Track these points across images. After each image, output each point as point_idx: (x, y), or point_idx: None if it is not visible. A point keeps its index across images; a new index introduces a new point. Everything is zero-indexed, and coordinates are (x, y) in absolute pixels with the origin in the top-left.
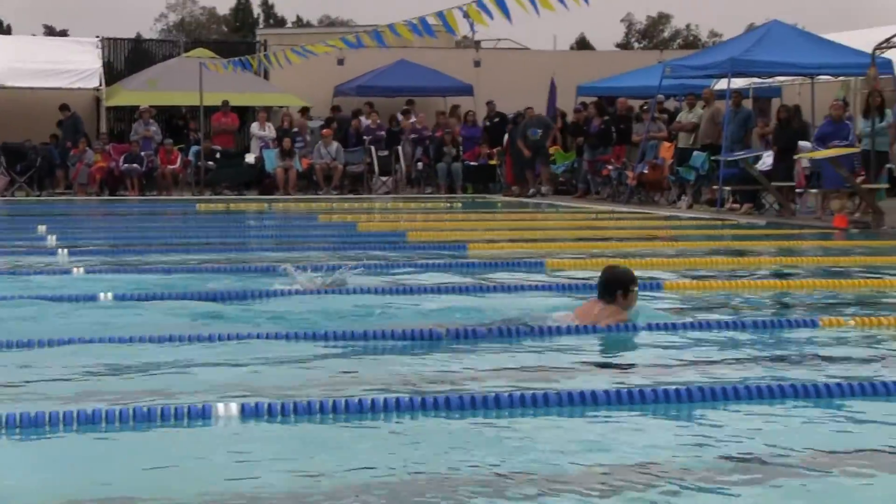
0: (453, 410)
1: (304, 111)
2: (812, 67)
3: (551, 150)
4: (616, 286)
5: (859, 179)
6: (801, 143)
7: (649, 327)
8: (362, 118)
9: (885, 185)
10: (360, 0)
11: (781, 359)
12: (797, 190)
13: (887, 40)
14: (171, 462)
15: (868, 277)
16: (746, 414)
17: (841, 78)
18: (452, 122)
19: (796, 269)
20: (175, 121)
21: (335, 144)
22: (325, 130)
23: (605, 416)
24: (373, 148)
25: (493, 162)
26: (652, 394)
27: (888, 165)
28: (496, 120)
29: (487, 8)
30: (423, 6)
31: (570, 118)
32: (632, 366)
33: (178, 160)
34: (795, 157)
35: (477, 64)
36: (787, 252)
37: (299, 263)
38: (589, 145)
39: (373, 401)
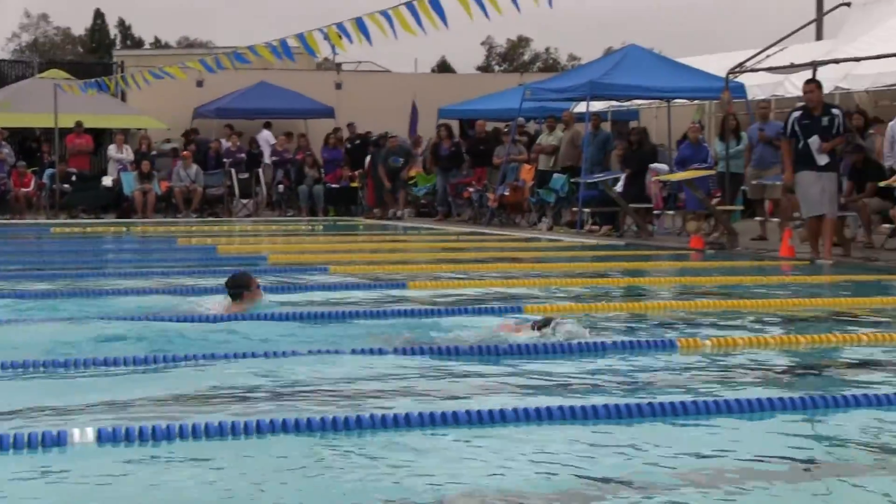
0: (301, 432)
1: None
2: (668, 91)
3: (413, 173)
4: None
5: (715, 201)
6: (658, 166)
7: (511, 349)
8: (222, 140)
9: (740, 207)
10: (219, 22)
11: (641, 379)
12: (655, 212)
13: (740, 65)
14: (25, 490)
15: (724, 298)
16: (606, 433)
17: (696, 101)
18: (339, 143)
19: (655, 290)
20: (29, 143)
21: (194, 167)
22: (184, 152)
23: (464, 438)
24: (233, 170)
25: (354, 184)
26: (513, 414)
27: (742, 187)
28: (357, 142)
29: (347, 31)
30: (283, 28)
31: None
32: (493, 387)
33: (32, 183)
34: (655, 178)
35: (338, 86)
36: (646, 273)
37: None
38: (441, 168)
39: (233, 423)
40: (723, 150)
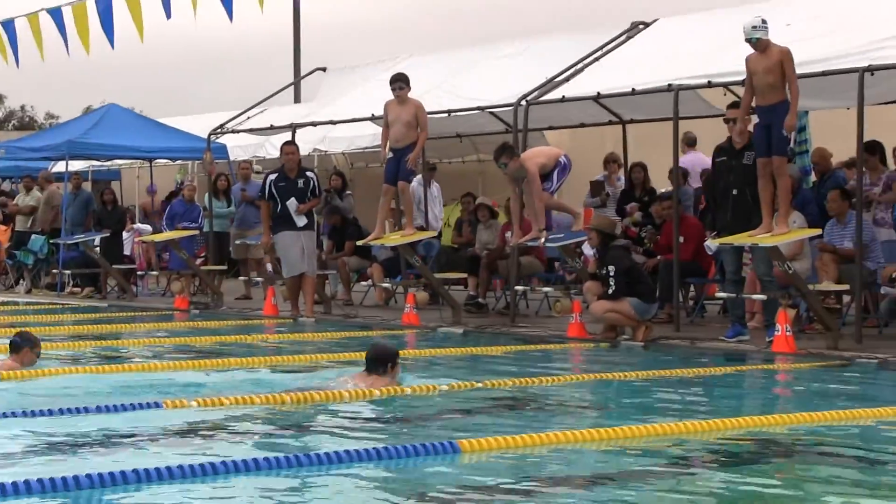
0: None
1: None
2: (150, 151)
3: None
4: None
5: (199, 261)
6: (141, 226)
7: None
8: None
9: (223, 267)
10: None
11: (122, 445)
12: (139, 272)
13: (222, 126)
14: None
15: (211, 357)
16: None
17: (179, 161)
18: None
19: (138, 351)
20: None
21: None
22: None
23: None
24: None
25: None
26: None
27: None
28: None
29: None
30: None
31: None
32: None
33: None
34: (138, 239)
35: None
36: (129, 335)
37: None
38: None
39: None
40: (215, 209)
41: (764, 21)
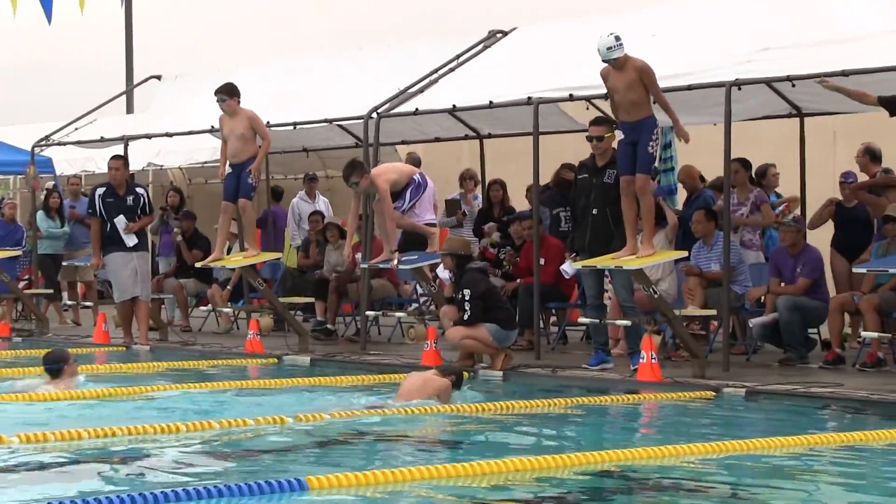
0: None
1: None
2: None
3: None
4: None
5: (22, 284)
6: None
7: None
8: None
9: (49, 291)
10: None
11: None
12: None
13: (47, 138)
14: None
15: (32, 390)
16: None
17: (0, 176)
18: None
19: None
20: None
21: None
22: None
23: None
24: None
25: None
26: None
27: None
28: None
29: None
30: None
31: None
32: None
33: None
34: None
35: None
36: None
37: None
38: None
39: None
40: (49, 229)
41: (618, 38)
